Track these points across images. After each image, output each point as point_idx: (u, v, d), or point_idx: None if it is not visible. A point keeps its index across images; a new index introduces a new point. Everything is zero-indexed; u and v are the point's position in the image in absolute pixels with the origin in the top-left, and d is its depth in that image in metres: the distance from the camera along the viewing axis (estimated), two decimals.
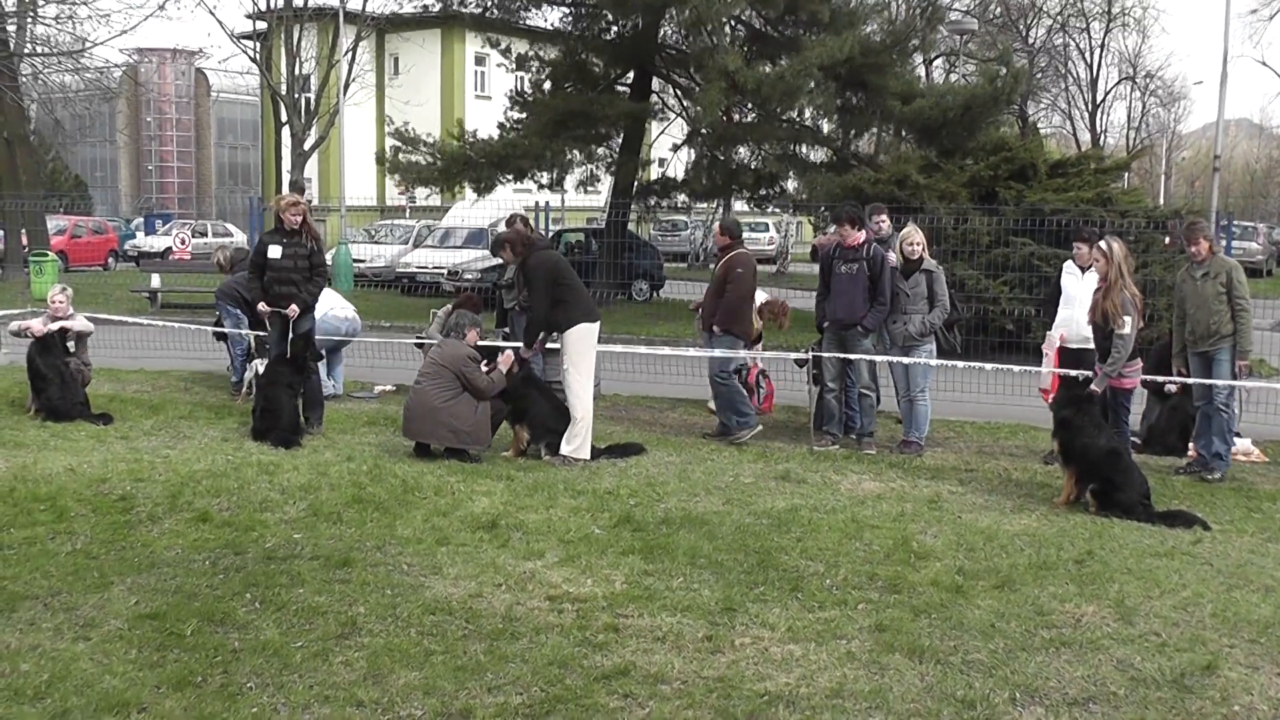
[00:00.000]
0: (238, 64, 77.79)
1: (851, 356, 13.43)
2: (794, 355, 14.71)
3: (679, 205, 33.35)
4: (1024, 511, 10.52)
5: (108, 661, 6.53)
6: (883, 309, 13.29)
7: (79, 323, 14.55)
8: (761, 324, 15.18)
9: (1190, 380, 12.94)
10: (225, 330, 15.91)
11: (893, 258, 13.46)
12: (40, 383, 13.69)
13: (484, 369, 12.19)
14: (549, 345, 12.93)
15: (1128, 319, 10.99)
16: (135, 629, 7.00)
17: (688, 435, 13.99)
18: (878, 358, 13.90)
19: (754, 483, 11.39)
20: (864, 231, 13.54)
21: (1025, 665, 6.76)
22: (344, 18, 37.74)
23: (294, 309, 13.26)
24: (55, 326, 14.18)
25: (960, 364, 14.40)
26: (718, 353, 13.77)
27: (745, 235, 14.72)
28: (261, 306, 13.42)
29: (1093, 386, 11.19)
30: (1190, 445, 13.52)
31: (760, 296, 15.51)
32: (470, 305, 14.32)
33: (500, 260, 14.13)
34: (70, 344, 14.26)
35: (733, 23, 28.91)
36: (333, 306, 15.91)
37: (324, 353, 14.76)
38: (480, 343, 12.67)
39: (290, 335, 13.38)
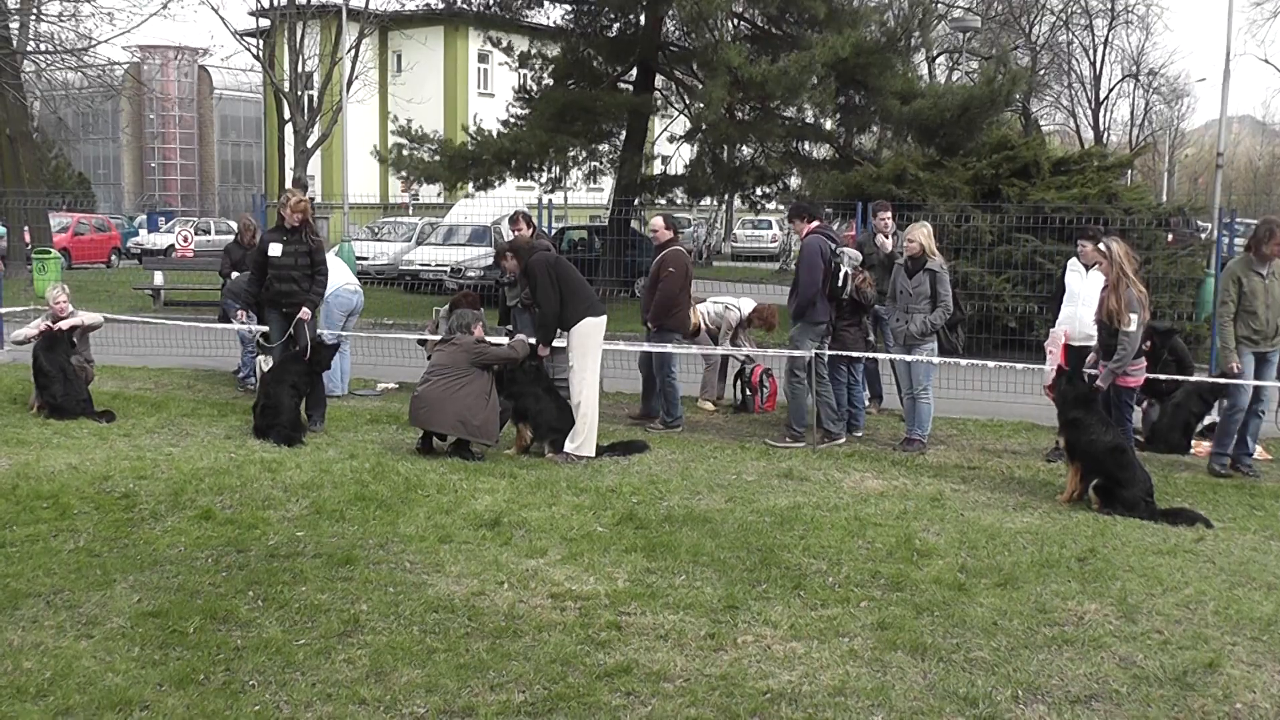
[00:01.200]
0: (241, 61, 78.01)
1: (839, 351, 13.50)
2: (797, 354, 14.72)
3: (679, 203, 33.34)
4: (1027, 509, 10.53)
5: (110, 659, 6.53)
6: (796, 298, 13.54)
7: (88, 316, 14.56)
8: (744, 328, 15.87)
9: (1191, 379, 12.95)
10: (239, 327, 15.91)
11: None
12: (44, 379, 13.71)
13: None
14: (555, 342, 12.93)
15: (1133, 317, 10.97)
16: (138, 627, 7.00)
17: (690, 433, 14.00)
18: (881, 355, 13.95)
19: (757, 480, 11.39)
20: (812, 224, 13.75)
21: (1028, 663, 6.76)
22: (347, 15, 37.80)
23: (306, 312, 13.27)
24: (66, 325, 14.18)
25: (963, 362, 14.39)
26: (665, 347, 14.33)
27: (750, 233, 14.98)
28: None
29: (1098, 384, 11.17)
30: (1193, 443, 13.59)
31: (747, 305, 15.68)
32: (468, 303, 14.35)
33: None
34: (75, 340, 14.25)
35: (734, 20, 28.91)
36: (347, 282, 15.93)
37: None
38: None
39: (293, 334, 13.35)
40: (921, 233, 13.28)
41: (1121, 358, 11.09)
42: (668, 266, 14.22)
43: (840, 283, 13.43)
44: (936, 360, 13.36)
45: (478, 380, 12.02)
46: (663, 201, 32.44)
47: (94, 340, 15.05)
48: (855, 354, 13.81)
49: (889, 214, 15.24)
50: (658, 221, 14.52)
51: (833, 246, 13.54)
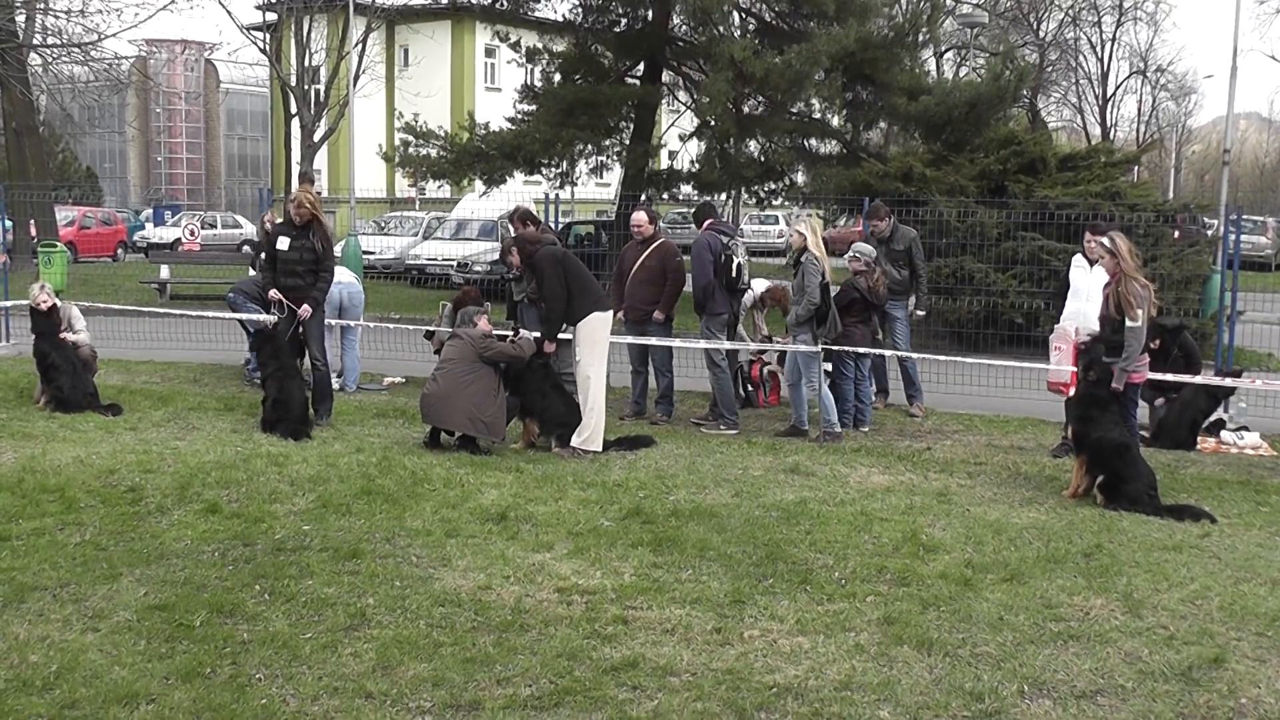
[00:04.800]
0: (247, 55, 77.91)
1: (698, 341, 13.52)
2: (804, 349, 14.74)
3: (684, 198, 33.30)
4: (1032, 505, 10.52)
5: (116, 652, 6.55)
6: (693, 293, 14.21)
7: (81, 335, 14.57)
8: (759, 310, 16.24)
9: (1195, 378, 12.96)
10: (246, 317, 15.90)
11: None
12: (53, 373, 13.70)
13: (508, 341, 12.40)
14: (560, 336, 12.93)
15: (1140, 311, 10.93)
16: (144, 620, 7.02)
17: (697, 427, 14.00)
18: (887, 352, 13.95)
19: (763, 475, 11.39)
20: (706, 222, 14.36)
21: (1033, 658, 6.77)
22: (354, 9, 37.66)
23: (306, 310, 13.27)
24: (45, 305, 14.24)
25: (969, 358, 14.41)
26: (672, 341, 14.59)
27: (755, 228, 15.19)
28: (272, 293, 13.40)
29: (1114, 385, 11.08)
30: (1199, 439, 13.60)
31: (760, 286, 15.76)
32: (470, 300, 14.42)
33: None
34: (69, 335, 14.30)
35: (742, 14, 28.87)
36: (348, 283, 15.97)
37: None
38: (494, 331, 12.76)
39: (299, 330, 13.38)
40: (805, 226, 13.51)
41: (1129, 355, 11.04)
42: (674, 257, 14.35)
43: (734, 274, 13.93)
44: (814, 349, 13.46)
45: (485, 376, 12.04)
46: (671, 194, 32.40)
47: (99, 334, 15.06)
48: (862, 350, 13.88)
49: (882, 222, 15.35)
50: (641, 216, 14.50)
51: (724, 240, 14.02)
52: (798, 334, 13.48)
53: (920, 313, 15.38)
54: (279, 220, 14.57)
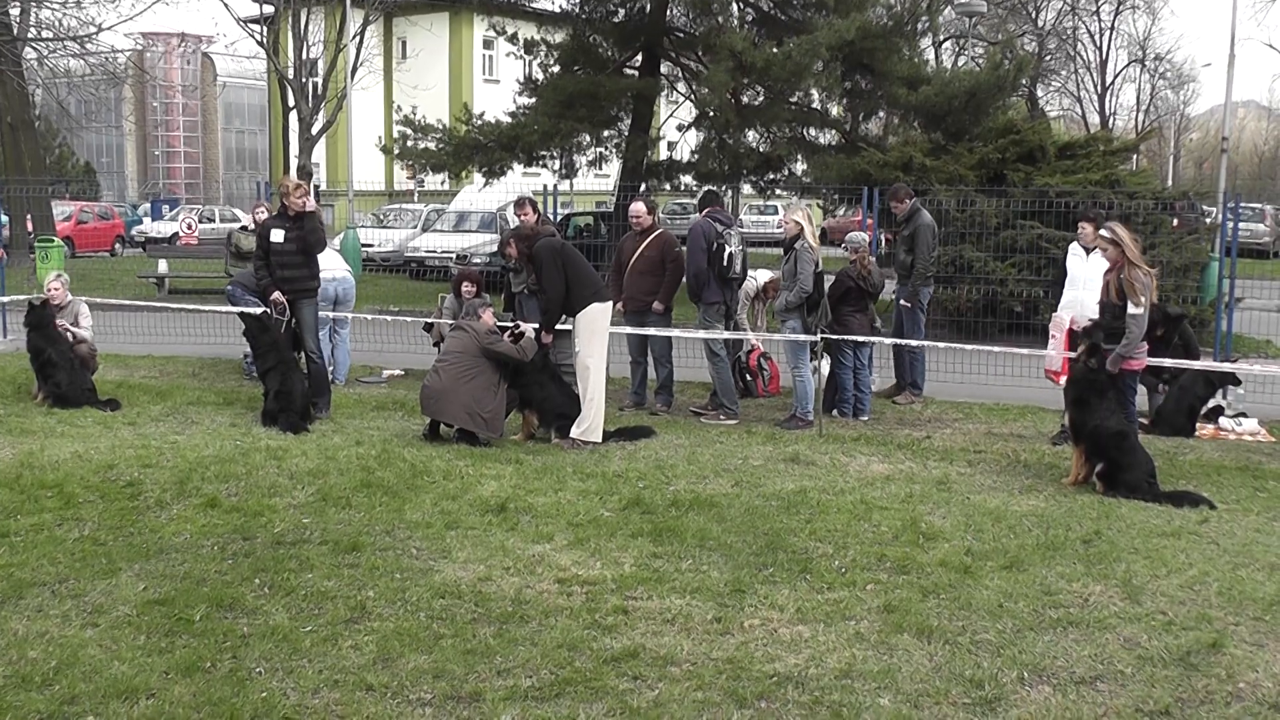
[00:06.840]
0: (245, 48, 77.82)
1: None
2: (802, 338, 14.74)
3: (684, 188, 33.30)
4: (1032, 492, 10.52)
5: (116, 648, 6.54)
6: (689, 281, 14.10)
7: (85, 330, 14.58)
8: (760, 300, 16.20)
9: (1191, 364, 12.97)
10: (244, 310, 15.89)
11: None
12: (50, 369, 13.68)
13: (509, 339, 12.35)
14: (559, 327, 12.93)
15: (1143, 298, 10.93)
16: (143, 615, 7.02)
17: (697, 417, 14.00)
18: (887, 340, 13.99)
19: (763, 465, 11.39)
20: (704, 210, 14.35)
21: (1033, 645, 6.78)
22: (351, 1, 37.61)
23: (281, 297, 13.26)
24: (66, 329, 14.25)
25: (968, 346, 14.41)
26: (671, 331, 14.47)
27: (755, 218, 15.21)
28: (276, 295, 13.35)
29: (1107, 368, 11.09)
30: (1197, 426, 13.61)
31: (763, 276, 15.76)
32: (470, 278, 14.47)
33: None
34: (68, 332, 14.30)
35: (740, 4, 28.87)
36: (341, 277, 15.93)
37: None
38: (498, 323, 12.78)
39: (294, 320, 13.40)
40: (800, 214, 13.59)
41: (1129, 341, 11.04)
42: (673, 248, 14.39)
43: (725, 263, 13.81)
44: (804, 338, 13.56)
45: (487, 371, 12.04)
46: (668, 187, 32.38)
47: (98, 328, 15.05)
48: (860, 338, 13.89)
49: (901, 204, 15.40)
50: (639, 207, 14.49)
51: (718, 229, 13.90)
52: (786, 319, 13.51)
53: (904, 302, 15.34)
54: (261, 212, 14.57)
